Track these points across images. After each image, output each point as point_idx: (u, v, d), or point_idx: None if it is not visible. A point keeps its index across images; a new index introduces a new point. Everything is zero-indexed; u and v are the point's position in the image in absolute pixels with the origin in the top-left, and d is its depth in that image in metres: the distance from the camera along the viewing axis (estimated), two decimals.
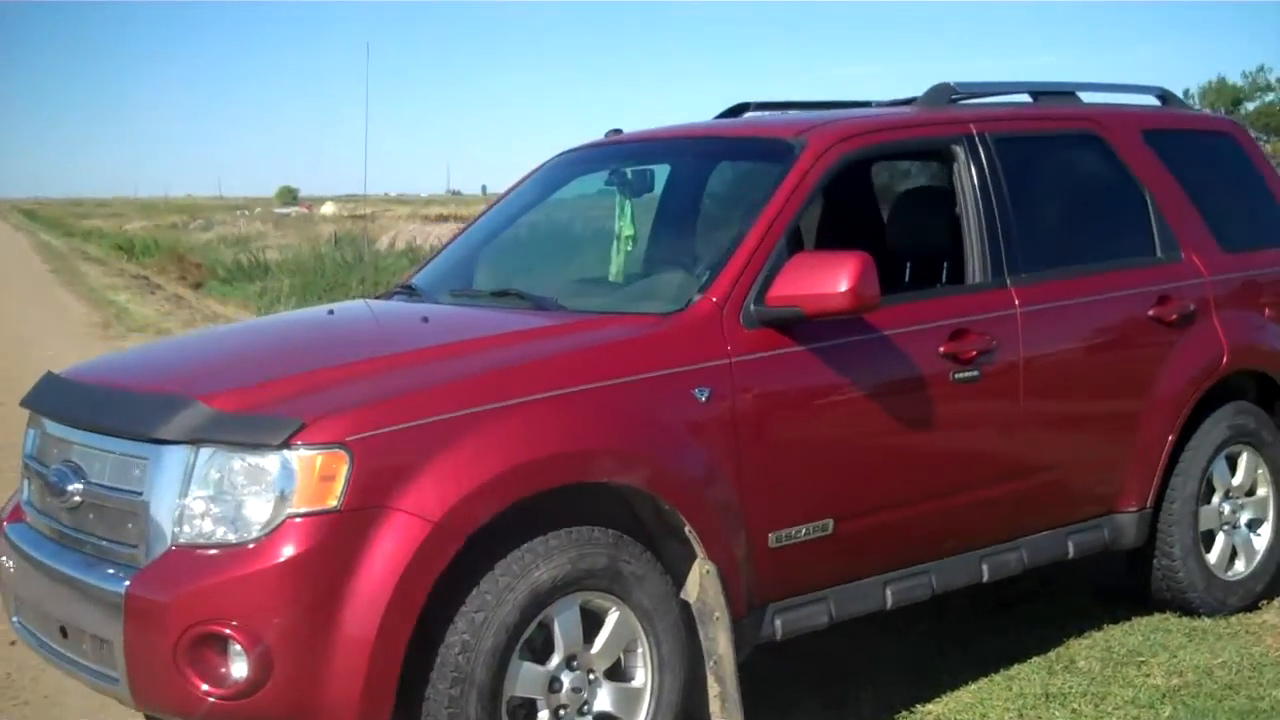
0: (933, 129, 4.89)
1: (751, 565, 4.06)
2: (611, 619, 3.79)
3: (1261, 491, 5.55)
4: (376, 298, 5.43)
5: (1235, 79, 58.09)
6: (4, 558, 4.12)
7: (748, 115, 5.71)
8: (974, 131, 4.84)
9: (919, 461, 4.48)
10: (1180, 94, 6.17)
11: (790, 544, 4.15)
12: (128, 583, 3.44)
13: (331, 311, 4.94)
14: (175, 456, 3.50)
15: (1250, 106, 56.54)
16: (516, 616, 3.56)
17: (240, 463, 3.43)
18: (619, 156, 5.53)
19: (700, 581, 3.94)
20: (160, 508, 3.49)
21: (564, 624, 3.69)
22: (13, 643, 5.46)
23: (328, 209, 67.47)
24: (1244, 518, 5.53)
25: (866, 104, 5.60)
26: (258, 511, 3.39)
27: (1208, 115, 6.51)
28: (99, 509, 3.70)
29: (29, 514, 4.12)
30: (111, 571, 3.55)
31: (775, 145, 4.60)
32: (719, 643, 3.95)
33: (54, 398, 4.15)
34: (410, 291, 5.10)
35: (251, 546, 3.36)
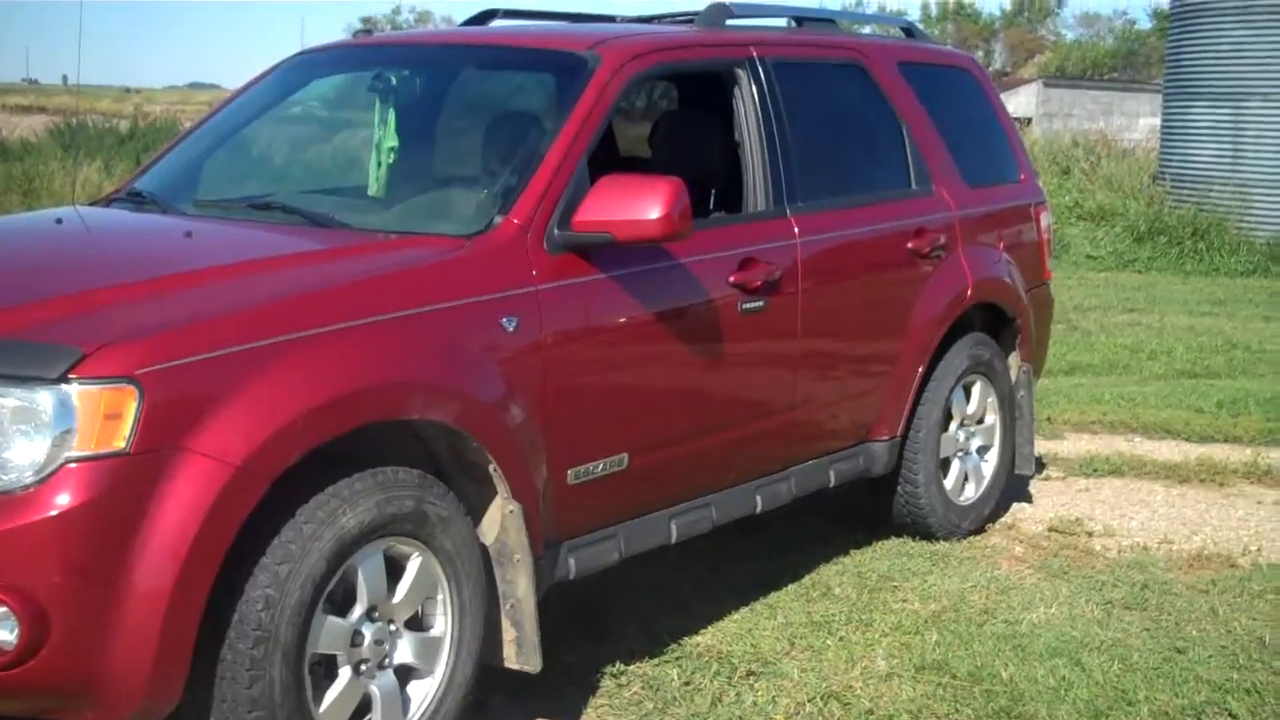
0: (717, 50, 4.75)
1: (549, 503, 3.86)
2: (413, 566, 3.52)
3: (989, 419, 5.79)
4: (92, 204, 4.80)
5: None
6: None
7: (496, 23, 5.39)
8: (754, 55, 4.73)
9: (710, 393, 4.39)
10: None
11: (588, 480, 3.98)
12: None
13: (60, 221, 4.34)
14: None
15: None
16: (323, 567, 3.23)
17: (4, 398, 2.94)
18: (371, 60, 5.10)
19: (501, 522, 3.72)
20: None
21: (368, 573, 3.39)
22: None
23: None
24: (974, 444, 5.76)
25: (611, 18, 5.41)
26: (26, 454, 2.91)
27: (950, 50, 6.67)
28: None
29: None
30: None
31: (568, 59, 4.32)
32: (518, 585, 3.75)
33: None
34: (138, 199, 4.55)
35: (20, 495, 2.88)
